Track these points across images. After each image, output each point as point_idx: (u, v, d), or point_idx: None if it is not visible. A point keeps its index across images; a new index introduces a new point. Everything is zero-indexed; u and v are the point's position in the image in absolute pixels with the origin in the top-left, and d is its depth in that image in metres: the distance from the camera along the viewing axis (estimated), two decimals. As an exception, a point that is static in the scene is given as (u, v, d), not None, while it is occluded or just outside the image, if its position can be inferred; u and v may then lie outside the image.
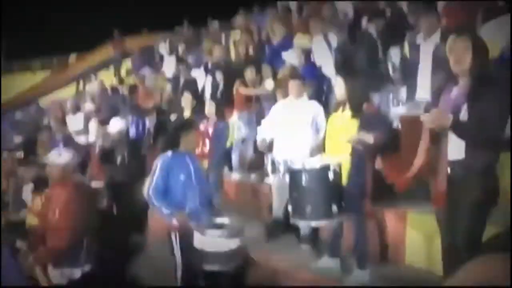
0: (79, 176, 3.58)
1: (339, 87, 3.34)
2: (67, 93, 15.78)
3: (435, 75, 3.47)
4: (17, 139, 9.14)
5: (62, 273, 3.27)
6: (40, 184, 4.00)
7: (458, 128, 2.39)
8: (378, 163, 3.48)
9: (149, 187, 3.39)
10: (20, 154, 4.35)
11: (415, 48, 3.83)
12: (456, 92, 2.54)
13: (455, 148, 2.47)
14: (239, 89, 5.92)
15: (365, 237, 3.31)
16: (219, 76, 6.84)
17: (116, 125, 5.56)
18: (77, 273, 3.28)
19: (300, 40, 5.36)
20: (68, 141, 6.88)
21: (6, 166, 4.88)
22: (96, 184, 5.57)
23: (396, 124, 3.69)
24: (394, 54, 4.92)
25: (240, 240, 3.25)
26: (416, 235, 3.49)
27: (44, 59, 22.01)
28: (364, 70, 4.75)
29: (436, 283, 2.86)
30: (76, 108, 9.37)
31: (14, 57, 23.63)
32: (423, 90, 3.67)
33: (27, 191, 4.37)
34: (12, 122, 11.51)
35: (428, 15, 3.80)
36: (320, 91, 5.00)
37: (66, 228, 3.18)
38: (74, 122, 8.53)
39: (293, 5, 7.68)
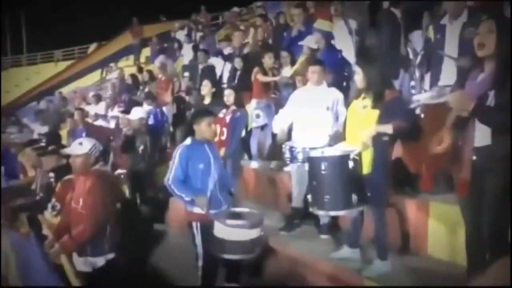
0: (102, 165, 3.61)
1: (358, 74, 3.25)
2: (88, 82, 16.06)
3: (461, 59, 3.34)
4: (42, 129, 9.36)
5: (86, 261, 3.34)
6: (63, 173, 4.08)
7: (482, 113, 2.33)
8: (399, 151, 3.40)
9: (168, 176, 3.42)
10: (42, 144, 4.44)
11: (440, 30, 3.67)
12: (481, 77, 2.45)
13: (481, 135, 2.40)
14: (257, 76, 5.86)
15: (385, 227, 3.25)
16: (237, 63, 6.80)
17: (136, 113, 5.61)
18: (100, 261, 3.34)
19: (320, 25, 5.22)
20: (91, 130, 6.99)
21: (30, 156, 4.99)
22: (119, 172, 5.66)
23: (419, 111, 3.58)
24: (417, 37, 4.76)
25: (260, 229, 3.25)
26: (439, 226, 3.41)
27: (65, 50, 22.39)
28: (386, 55, 4.61)
29: (459, 275, 2.80)
30: (97, 97, 9.52)
31: (36, 49, 24.13)
32: (448, 75, 3.53)
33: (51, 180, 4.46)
34: (36, 112, 11.78)
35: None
36: (341, 77, 4.89)
37: (90, 217, 3.23)
38: (96, 111, 8.67)
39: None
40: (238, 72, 6.62)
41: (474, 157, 2.43)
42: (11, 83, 19.94)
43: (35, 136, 7.32)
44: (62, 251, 3.27)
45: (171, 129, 6.94)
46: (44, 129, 9.27)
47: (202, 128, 3.49)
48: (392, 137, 3.12)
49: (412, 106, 3.41)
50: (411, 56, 4.43)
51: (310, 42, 5.07)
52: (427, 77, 3.83)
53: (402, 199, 3.64)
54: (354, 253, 3.46)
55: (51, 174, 4.29)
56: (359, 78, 3.22)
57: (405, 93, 4.44)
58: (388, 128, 3.00)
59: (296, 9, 6.19)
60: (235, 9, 11.42)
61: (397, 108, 3.10)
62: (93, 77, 16.21)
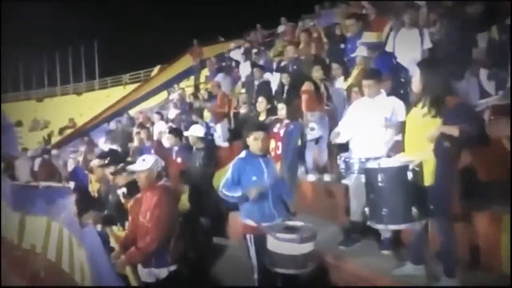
0: (166, 180, 3.78)
1: (415, 80, 3.10)
2: (154, 102, 16.95)
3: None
4: (110, 147, 9.99)
5: (150, 272, 3.47)
6: (133, 189, 4.31)
7: None
8: (467, 159, 3.17)
9: (221, 185, 3.51)
10: (106, 161, 4.73)
11: (504, 30, 3.42)
12: None
13: None
14: (308, 89, 5.83)
15: (452, 241, 3.02)
16: (284, 78, 6.83)
17: (196, 131, 5.79)
18: (164, 272, 3.46)
19: (367, 38, 5.10)
20: (157, 147, 7.33)
21: (98, 172, 5.34)
22: (181, 187, 5.85)
23: (486, 115, 3.34)
24: (482, 38, 4.47)
25: (314, 244, 3.18)
26: (513, 240, 3.11)
27: (132, 73, 23.92)
28: (450, 59, 4.34)
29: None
30: (161, 116, 10.00)
31: (107, 75, 26.05)
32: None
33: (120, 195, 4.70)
34: (107, 132, 12.62)
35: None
36: (398, 84, 4.71)
37: (157, 230, 3.38)
38: (160, 129, 9.09)
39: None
40: (286, 87, 6.64)
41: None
42: (85, 106, 21.63)
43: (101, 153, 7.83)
44: (128, 261, 3.42)
45: (226, 144, 7.09)
46: (114, 147, 9.89)
47: (251, 142, 3.54)
48: (457, 144, 2.92)
49: (478, 109, 3.18)
50: (476, 56, 4.14)
51: (362, 51, 4.96)
52: (493, 80, 3.57)
53: (472, 211, 3.37)
54: (419, 269, 3.26)
55: (120, 191, 4.54)
56: (415, 83, 3.08)
57: (471, 97, 4.16)
58: (454, 131, 2.80)
59: (349, 20, 6.10)
60: (285, 22, 11.53)
61: (462, 113, 2.90)
62: (158, 98, 17.10)
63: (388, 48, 5.42)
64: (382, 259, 3.74)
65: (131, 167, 3.88)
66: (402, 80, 4.62)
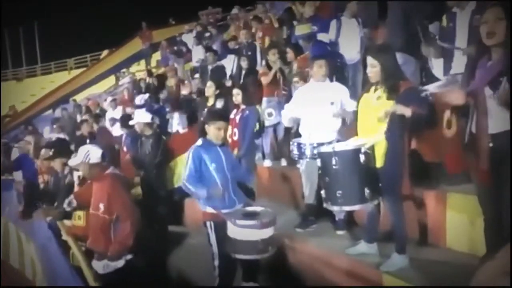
0: (114, 169, 3.66)
1: (373, 67, 3.18)
2: (101, 88, 16.26)
3: (467, 48, 3.28)
4: (57, 136, 9.52)
5: (106, 264, 3.40)
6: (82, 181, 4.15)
7: (499, 98, 2.31)
8: (415, 142, 3.33)
9: (184, 176, 3.46)
10: (50, 151, 4.53)
11: (451, 18, 3.60)
12: (491, 65, 2.40)
13: (498, 121, 2.36)
14: (263, 73, 5.86)
15: (402, 220, 3.19)
16: (242, 62, 6.80)
17: (141, 117, 5.61)
18: (120, 262, 3.40)
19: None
20: (103, 135, 7.07)
21: (45, 163, 5.10)
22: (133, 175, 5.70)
23: (432, 99, 3.51)
24: (432, 26, 4.65)
25: (273, 229, 3.24)
26: (457, 217, 3.33)
27: (78, 58, 22.75)
28: (398, 47, 4.51)
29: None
30: (115, 102, 9.64)
31: (50, 59, 24.57)
32: (459, 63, 3.46)
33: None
34: (52, 121, 11.98)
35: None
36: (342, 71, 4.87)
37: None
38: (113, 115, 8.76)
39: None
40: (244, 71, 6.63)
41: (491, 144, 2.38)
42: (27, 93, 20.35)
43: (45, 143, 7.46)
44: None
45: (184, 130, 6.98)
46: (61, 135, 9.43)
47: (212, 131, 3.50)
48: (407, 127, 3.05)
49: (422, 95, 3.34)
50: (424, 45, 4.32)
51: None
52: (440, 66, 3.75)
53: (420, 191, 3.57)
54: (372, 248, 3.42)
55: (77, 174, 4.36)
56: (373, 71, 3.17)
57: (417, 83, 4.36)
58: (407, 111, 2.92)
59: (301, 6, 6.22)
60: (235, 10, 11.46)
61: (412, 97, 3.04)
62: (106, 83, 16.43)
63: (331, 36, 5.58)
64: (337, 239, 3.89)
65: (69, 162, 3.77)
66: (338, 64, 4.81)
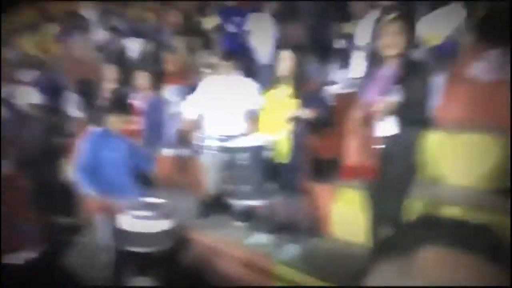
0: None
1: (284, 62, 3.25)
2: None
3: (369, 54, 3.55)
4: None
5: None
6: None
7: (394, 110, 2.54)
8: (315, 141, 3.53)
9: (76, 167, 3.20)
10: None
11: (355, 24, 3.87)
12: (385, 73, 2.62)
13: (388, 125, 2.60)
14: (170, 60, 5.68)
15: (298, 212, 3.37)
16: (151, 45, 6.52)
17: (29, 97, 5.08)
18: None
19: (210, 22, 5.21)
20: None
21: None
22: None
23: (332, 101, 3.75)
24: (336, 30, 4.92)
25: (172, 220, 3.18)
26: (345, 209, 3.62)
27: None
28: (309, 45, 4.70)
29: (363, 254, 2.99)
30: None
31: None
32: (358, 68, 3.73)
33: None
34: None
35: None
36: (251, 66, 4.94)
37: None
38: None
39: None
40: (150, 56, 6.36)
41: (381, 146, 2.62)
42: None
43: None
44: None
45: (76, 114, 6.46)
46: None
47: (113, 121, 3.30)
48: (309, 126, 3.21)
49: (326, 95, 3.55)
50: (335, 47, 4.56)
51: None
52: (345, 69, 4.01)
53: (315, 186, 3.79)
54: (268, 238, 3.55)
55: None
56: (284, 67, 3.24)
57: (324, 82, 4.61)
58: (308, 113, 3.07)
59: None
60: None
61: (316, 97, 3.20)
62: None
63: (243, 29, 5.60)
64: (236, 231, 3.95)
65: None
66: (252, 61, 4.87)
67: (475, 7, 4.39)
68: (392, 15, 2.64)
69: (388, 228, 2.71)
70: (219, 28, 5.14)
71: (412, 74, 2.53)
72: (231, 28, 5.48)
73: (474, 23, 4.33)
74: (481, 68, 4.05)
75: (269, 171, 3.10)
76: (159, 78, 5.49)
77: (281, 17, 5.47)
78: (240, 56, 4.28)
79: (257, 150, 3.09)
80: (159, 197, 3.41)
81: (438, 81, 3.37)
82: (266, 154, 3.07)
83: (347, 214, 3.59)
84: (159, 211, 3.13)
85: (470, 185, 3.41)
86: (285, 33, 5.50)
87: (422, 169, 2.73)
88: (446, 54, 3.69)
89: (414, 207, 2.96)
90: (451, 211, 3.08)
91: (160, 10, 8.06)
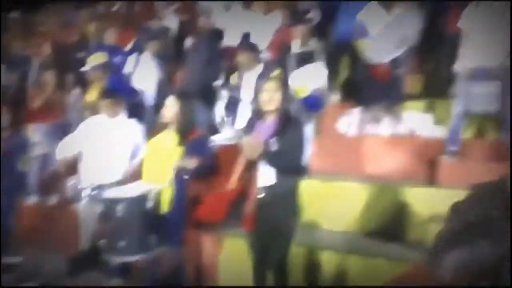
0: None
1: (168, 108, 3.17)
2: None
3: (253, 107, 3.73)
4: None
5: None
6: None
7: (269, 157, 2.67)
8: (197, 189, 3.48)
9: None
10: None
11: (241, 75, 4.03)
12: (265, 125, 2.80)
13: (267, 175, 2.70)
14: (35, 95, 5.12)
15: (182, 263, 3.24)
16: (14, 76, 5.82)
17: None
18: None
19: (94, 60, 4.94)
20: None
21: None
22: None
23: (217, 151, 3.79)
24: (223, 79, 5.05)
25: (35, 282, 2.75)
26: (230, 258, 3.60)
27: None
28: (195, 92, 4.70)
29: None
30: None
31: None
32: (242, 119, 3.85)
33: None
34: None
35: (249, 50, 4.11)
36: (138, 109, 4.74)
37: None
38: None
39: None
40: (12, 89, 5.67)
41: (261, 195, 2.70)
42: None
43: None
44: None
45: None
46: None
47: None
48: (192, 175, 3.16)
49: (211, 145, 3.56)
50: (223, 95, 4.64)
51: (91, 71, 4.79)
52: (229, 119, 4.11)
53: (200, 236, 3.71)
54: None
55: None
56: (170, 113, 3.16)
57: (209, 131, 4.62)
58: (191, 163, 3.03)
59: (91, 23, 5.84)
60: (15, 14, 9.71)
61: (200, 146, 3.18)
62: None
63: (128, 68, 5.44)
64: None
65: None
66: (138, 103, 4.70)
67: (338, 68, 5.02)
68: (270, 74, 2.86)
69: (273, 274, 2.76)
70: (104, 66, 4.82)
71: (288, 127, 2.74)
72: (113, 66, 5.21)
73: (337, 84, 4.94)
74: (345, 123, 4.57)
75: (151, 223, 2.92)
76: (22, 115, 4.90)
77: (166, 60, 5.42)
78: (122, 96, 4.06)
79: (137, 200, 2.90)
80: (18, 256, 2.94)
81: (308, 132, 3.67)
82: (147, 204, 2.91)
83: (233, 263, 3.57)
84: (20, 273, 2.68)
85: (344, 229, 3.70)
86: (169, 76, 5.47)
87: (300, 215, 2.88)
88: (312, 107, 4.06)
89: (297, 252, 3.10)
90: (329, 256, 3.30)
91: (29, 38, 7.27)
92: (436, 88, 4.52)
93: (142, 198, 2.91)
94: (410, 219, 3.54)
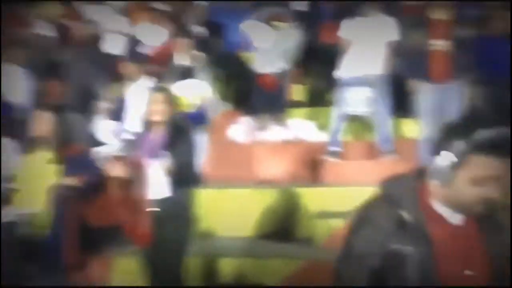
0: None
1: (40, 123, 2.88)
2: None
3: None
4: None
5: None
6: None
7: (164, 173, 2.62)
8: (82, 209, 3.22)
9: None
10: None
11: (125, 87, 3.88)
12: (153, 137, 2.75)
13: (161, 187, 2.65)
14: None
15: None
16: None
17: None
18: None
19: None
20: None
21: None
22: None
23: (102, 165, 3.56)
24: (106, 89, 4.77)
25: None
26: (122, 279, 3.39)
27: None
28: (73, 105, 4.36)
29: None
30: None
31: None
32: (129, 131, 3.69)
33: None
34: None
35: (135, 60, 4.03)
36: (9, 125, 4.24)
37: None
38: None
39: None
40: None
41: (156, 209, 2.63)
42: None
43: None
44: None
45: None
46: None
47: None
48: (75, 194, 2.92)
49: (94, 159, 3.34)
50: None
51: None
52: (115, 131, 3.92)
53: (87, 259, 3.42)
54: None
55: None
56: (43, 129, 2.88)
57: (91, 145, 4.32)
58: (72, 181, 2.81)
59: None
60: None
61: (82, 162, 2.96)
62: None
63: None
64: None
65: None
66: (8, 117, 4.21)
67: (227, 78, 5.15)
68: (157, 86, 2.83)
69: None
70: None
71: (178, 137, 2.73)
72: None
73: (227, 93, 5.06)
74: (236, 131, 4.70)
75: (26, 250, 2.63)
76: None
77: (38, 72, 4.95)
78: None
79: (8, 227, 2.59)
80: None
81: (201, 142, 3.68)
82: (20, 230, 2.62)
83: (125, 284, 3.36)
84: None
85: (241, 235, 3.73)
86: (44, 88, 4.99)
87: (196, 225, 2.86)
88: (197, 121, 4.07)
89: (192, 264, 3.05)
90: (227, 262, 3.30)
91: None
92: (318, 97, 4.90)
93: (13, 224, 2.60)
94: (299, 218, 3.74)
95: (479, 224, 1.09)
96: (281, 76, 4.62)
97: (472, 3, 4.45)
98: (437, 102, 3.77)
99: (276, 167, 4.28)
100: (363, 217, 1.13)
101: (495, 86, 3.89)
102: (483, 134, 1.00)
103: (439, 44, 3.73)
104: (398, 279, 1.05)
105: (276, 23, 4.69)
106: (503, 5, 4.09)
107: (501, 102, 3.80)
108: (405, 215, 1.07)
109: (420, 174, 1.11)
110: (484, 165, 1.00)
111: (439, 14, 3.81)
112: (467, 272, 1.05)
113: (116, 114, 3.84)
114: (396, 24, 4.10)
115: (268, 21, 4.68)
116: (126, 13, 5.65)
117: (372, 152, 4.24)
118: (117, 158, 3.17)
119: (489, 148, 0.99)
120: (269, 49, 4.57)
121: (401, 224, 1.06)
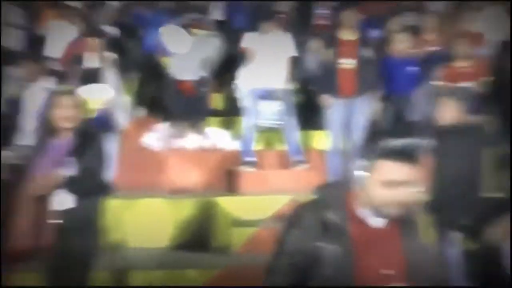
0: None
1: None
2: None
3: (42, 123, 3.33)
4: None
5: None
6: None
7: (66, 183, 2.43)
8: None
9: None
10: None
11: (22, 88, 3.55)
12: (59, 145, 2.56)
13: (64, 198, 2.44)
14: None
15: None
16: None
17: None
18: None
19: None
20: None
21: None
22: None
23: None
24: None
25: None
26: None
27: None
28: None
29: None
30: None
31: None
32: (30, 136, 3.38)
33: None
34: None
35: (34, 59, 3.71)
36: None
37: None
38: None
39: None
40: None
41: (59, 221, 2.43)
42: None
43: None
44: None
45: None
46: None
47: None
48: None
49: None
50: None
51: None
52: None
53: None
54: None
55: None
56: None
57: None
58: None
59: None
60: None
61: None
62: None
63: None
64: None
65: None
66: None
67: (142, 83, 4.97)
68: (63, 88, 2.65)
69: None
70: None
71: (86, 144, 2.57)
72: None
73: (142, 99, 4.89)
74: (151, 138, 4.54)
75: None
76: None
77: None
78: None
79: None
80: None
81: (111, 149, 3.50)
82: None
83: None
84: None
85: (153, 246, 3.61)
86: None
87: (105, 237, 2.70)
88: (102, 126, 3.87)
89: (101, 278, 2.88)
90: (138, 275, 3.16)
91: None
92: (233, 106, 4.97)
93: None
94: (215, 227, 3.73)
95: (399, 226, 1.22)
96: (200, 83, 4.60)
97: (375, 25, 4.88)
98: (345, 115, 4.05)
99: (192, 176, 4.22)
100: (294, 218, 1.25)
101: (395, 102, 4.30)
102: (389, 142, 1.16)
103: (347, 62, 4.02)
104: (318, 275, 1.17)
105: (195, 30, 4.66)
106: (403, 28, 4.54)
107: (400, 116, 4.22)
108: (330, 217, 1.19)
109: (348, 181, 1.25)
110: (392, 170, 1.14)
111: (347, 35, 4.11)
112: (383, 271, 1.17)
113: (12, 118, 3.49)
114: (293, 41, 4.31)
115: (187, 27, 4.63)
116: (32, 8, 5.21)
117: (285, 162, 4.40)
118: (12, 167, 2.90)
119: (395, 154, 1.14)
120: (187, 55, 4.51)
121: (326, 225, 1.19)
